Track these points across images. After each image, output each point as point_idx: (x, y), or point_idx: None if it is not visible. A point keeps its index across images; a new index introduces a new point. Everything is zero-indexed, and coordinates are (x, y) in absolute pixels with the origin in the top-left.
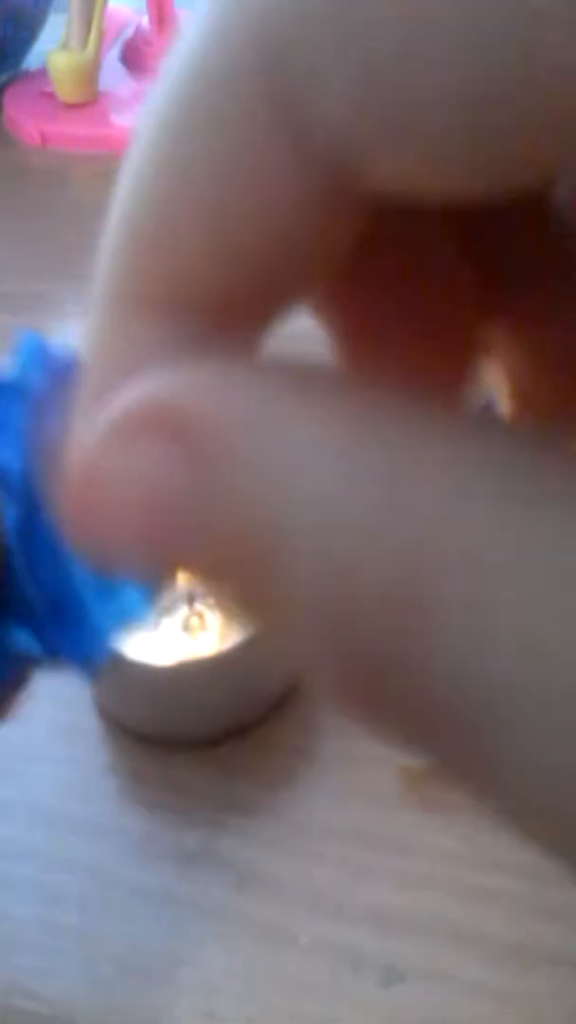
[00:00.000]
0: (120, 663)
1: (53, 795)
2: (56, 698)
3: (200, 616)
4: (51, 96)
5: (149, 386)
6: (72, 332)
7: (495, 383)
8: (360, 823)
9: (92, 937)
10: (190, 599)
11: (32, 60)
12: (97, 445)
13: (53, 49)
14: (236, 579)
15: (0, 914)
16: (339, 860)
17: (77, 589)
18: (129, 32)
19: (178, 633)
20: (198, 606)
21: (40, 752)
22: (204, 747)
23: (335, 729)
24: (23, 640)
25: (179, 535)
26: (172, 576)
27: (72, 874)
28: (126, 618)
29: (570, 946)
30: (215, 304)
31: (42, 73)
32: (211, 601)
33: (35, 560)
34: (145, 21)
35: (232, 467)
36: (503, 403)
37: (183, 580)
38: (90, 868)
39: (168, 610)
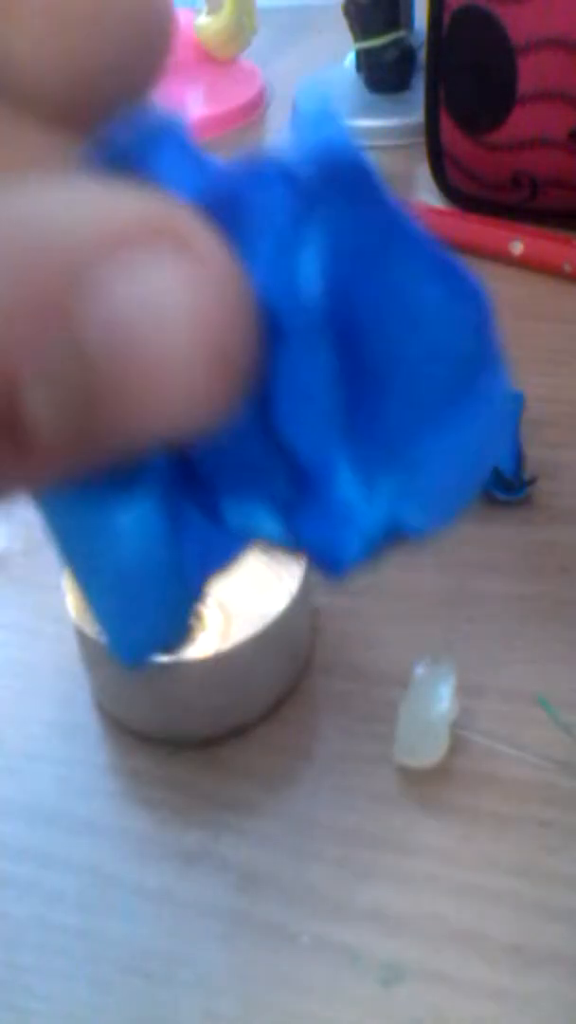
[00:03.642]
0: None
1: (53, 794)
2: (56, 697)
3: (200, 616)
4: None
5: (130, 205)
6: None
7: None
8: (359, 823)
9: (91, 936)
10: None
11: None
12: (93, 274)
13: None
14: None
15: None
16: (339, 860)
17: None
18: None
19: None
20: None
21: (40, 751)
22: (204, 747)
23: (335, 729)
24: (259, 519)
25: (237, 348)
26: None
27: (71, 873)
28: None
29: (570, 946)
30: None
31: None
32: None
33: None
34: None
35: (234, 271)
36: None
37: None
38: (90, 867)
39: None
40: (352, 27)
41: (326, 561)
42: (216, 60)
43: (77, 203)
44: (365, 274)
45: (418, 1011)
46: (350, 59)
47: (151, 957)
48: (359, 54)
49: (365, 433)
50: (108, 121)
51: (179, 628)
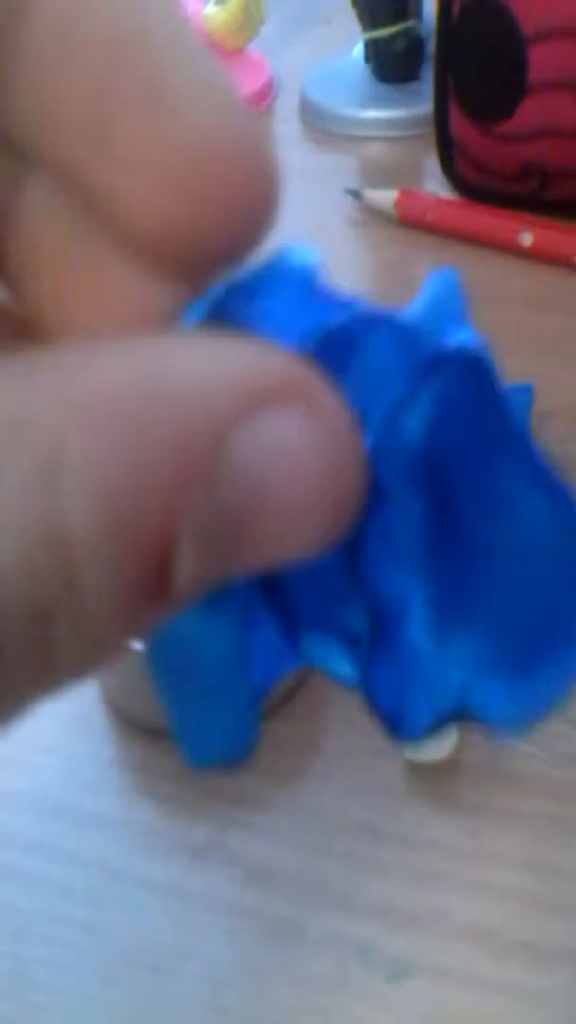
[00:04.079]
0: (128, 655)
1: (61, 787)
2: (64, 691)
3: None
4: None
5: (259, 363)
6: None
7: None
8: (368, 818)
9: (99, 930)
10: None
11: None
12: (222, 425)
13: None
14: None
15: (7, 906)
16: (347, 854)
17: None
18: None
19: None
20: None
21: (48, 744)
22: None
23: (343, 724)
24: (334, 660)
25: (351, 492)
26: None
27: (79, 866)
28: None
29: None
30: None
31: None
32: None
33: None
34: None
35: (349, 426)
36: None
37: None
38: (97, 861)
39: None
40: (360, 17)
41: (392, 718)
42: (224, 50)
43: (213, 364)
44: (470, 453)
45: (426, 1007)
46: (359, 49)
47: (158, 950)
48: (368, 44)
49: (444, 592)
50: (211, 272)
51: (247, 735)
